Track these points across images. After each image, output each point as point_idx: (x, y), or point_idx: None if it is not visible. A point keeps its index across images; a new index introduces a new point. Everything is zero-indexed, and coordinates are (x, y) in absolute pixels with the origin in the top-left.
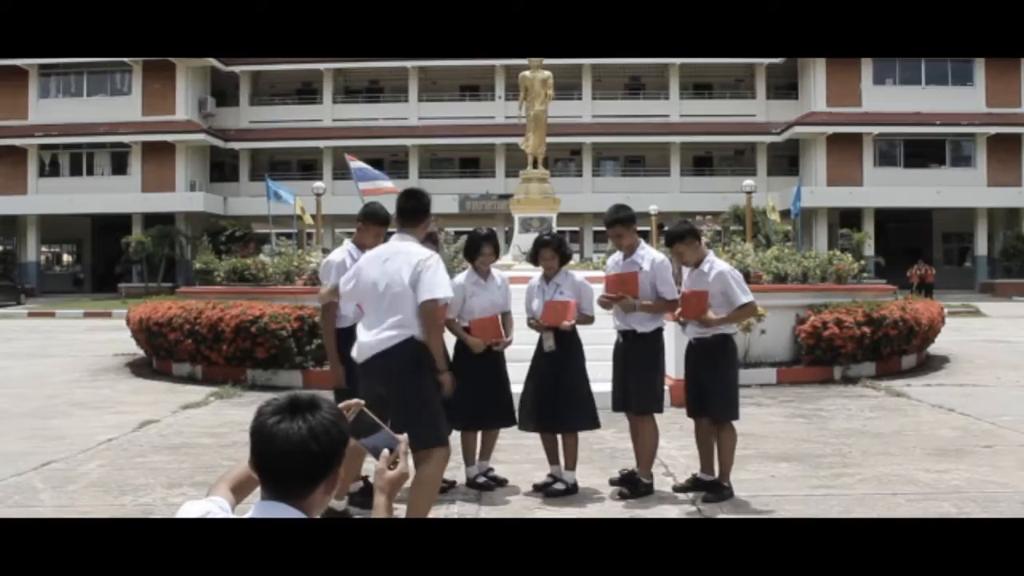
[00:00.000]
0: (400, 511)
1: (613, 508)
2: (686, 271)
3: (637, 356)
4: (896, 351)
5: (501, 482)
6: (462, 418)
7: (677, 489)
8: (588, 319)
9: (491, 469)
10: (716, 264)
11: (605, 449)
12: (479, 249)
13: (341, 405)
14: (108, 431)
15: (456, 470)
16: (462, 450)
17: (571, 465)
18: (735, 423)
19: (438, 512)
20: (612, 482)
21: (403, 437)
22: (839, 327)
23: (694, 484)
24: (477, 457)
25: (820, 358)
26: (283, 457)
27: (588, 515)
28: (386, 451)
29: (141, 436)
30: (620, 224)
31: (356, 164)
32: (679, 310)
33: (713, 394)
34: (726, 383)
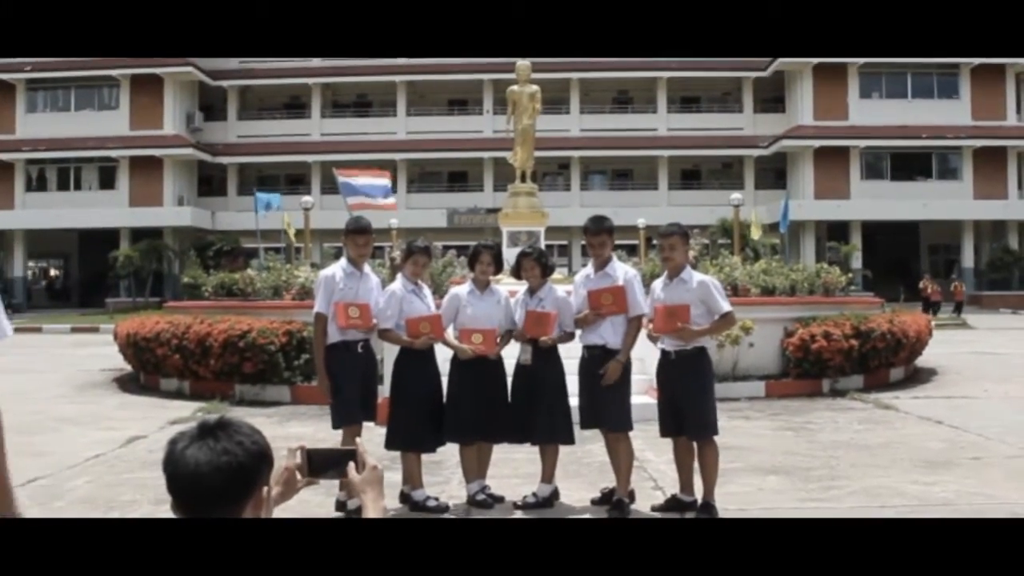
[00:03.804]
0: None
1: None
2: (659, 284)
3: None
4: (884, 364)
5: (498, 499)
6: (460, 431)
7: (656, 509)
8: (569, 336)
9: (487, 486)
10: (696, 274)
11: (594, 463)
12: (478, 257)
13: (286, 462)
14: (95, 447)
15: (443, 485)
16: (462, 465)
17: (546, 478)
18: (715, 438)
19: None
20: (594, 502)
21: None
22: (827, 340)
23: (674, 505)
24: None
25: (808, 371)
26: (195, 482)
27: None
28: (351, 464)
29: (128, 452)
30: (606, 233)
31: (344, 179)
32: (651, 325)
33: (692, 411)
34: (704, 398)
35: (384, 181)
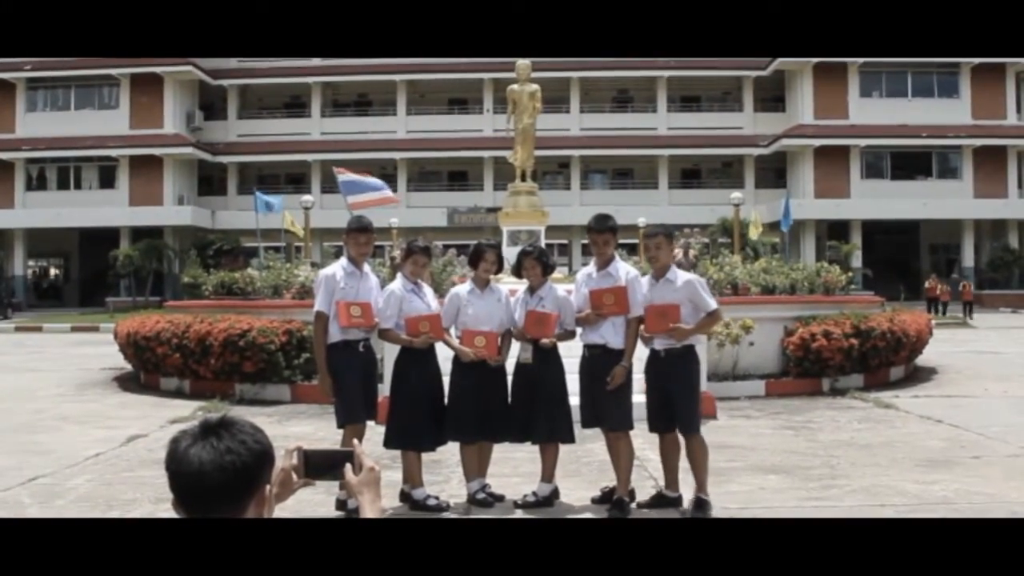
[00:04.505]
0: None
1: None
2: (645, 284)
3: (607, 372)
4: (884, 363)
5: (499, 498)
6: (461, 430)
7: (642, 506)
8: (570, 334)
9: (488, 485)
10: (681, 273)
11: (595, 462)
12: (482, 256)
13: (282, 462)
14: (95, 446)
15: (443, 484)
16: (463, 464)
17: (547, 477)
18: (715, 437)
19: None
20: (594, 501)
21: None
22: (827, 339)
23: (658, 501)
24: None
25: (808, 370)
26: (199, 481)
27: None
28: (348, 465)
29: (129, 451)
30: (610, 231)
31: (344, 177)
32: (643, 325)
33: (681, 407)
34: (693, 395)
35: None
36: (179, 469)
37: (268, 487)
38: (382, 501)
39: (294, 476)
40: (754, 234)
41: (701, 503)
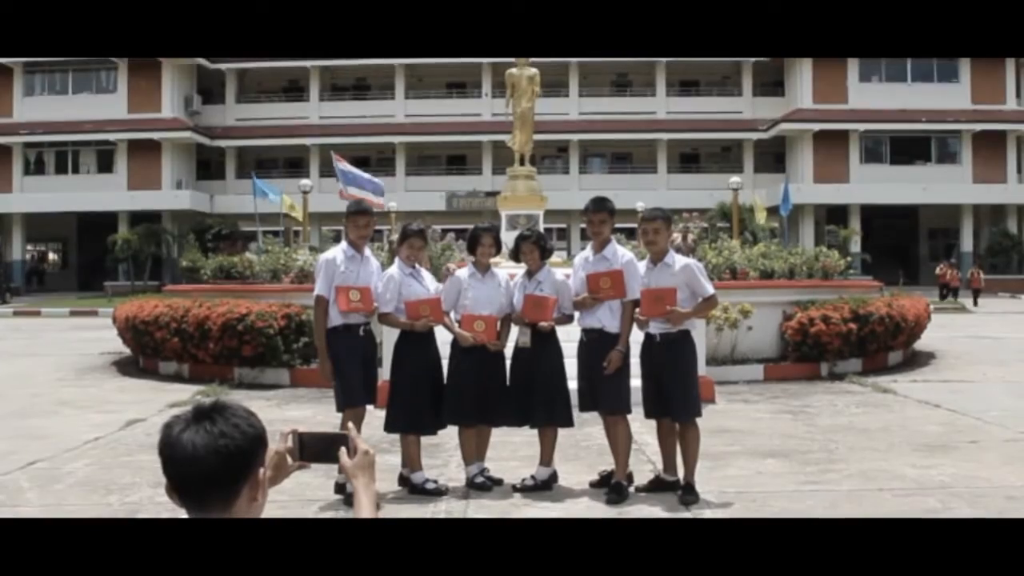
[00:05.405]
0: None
1: (599, 508)
2: (643, 267)
3: (604, 356)
4: (882, 347)
5: (497, 482)
6: (460, 414)
7: (640, 490)
8: (568, 318)
9: (486, 469)
10: (679, 258)
11: (593, 446)
12: (478, 240)
13: (277, 445)
14: (94, 430)
15: (442, 468)
16: (461, 448)
17: (545, 461)
18: (715, 421)
19: (425, 512)
20: (593, 485)
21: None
22: (826, 323)
23: (657, 485)
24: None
25: (807, 354)
26: (193, 466)
27: (574, 514)
28: (343, 449)
29: (127, 435)
30: (607, 212)
31: (342, 165)
32: (639, 309)
33: (677, 392)
34: (689, 380)
35: (379, 181)
36: (173, 454)
37: (262, 470)
38: (378, 484)
39: (289, 459)
40: (760, 218)
41: (689, 488)
